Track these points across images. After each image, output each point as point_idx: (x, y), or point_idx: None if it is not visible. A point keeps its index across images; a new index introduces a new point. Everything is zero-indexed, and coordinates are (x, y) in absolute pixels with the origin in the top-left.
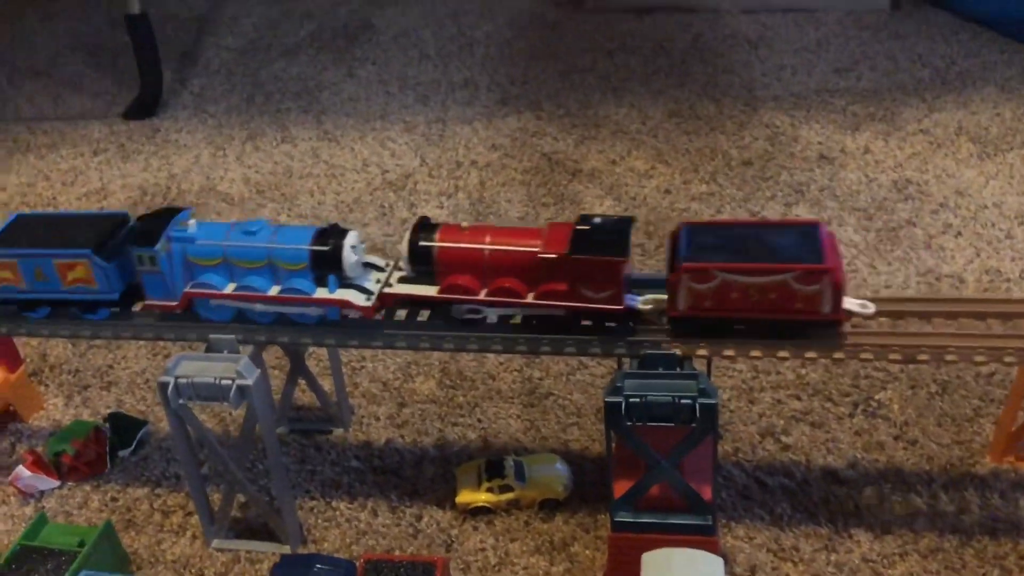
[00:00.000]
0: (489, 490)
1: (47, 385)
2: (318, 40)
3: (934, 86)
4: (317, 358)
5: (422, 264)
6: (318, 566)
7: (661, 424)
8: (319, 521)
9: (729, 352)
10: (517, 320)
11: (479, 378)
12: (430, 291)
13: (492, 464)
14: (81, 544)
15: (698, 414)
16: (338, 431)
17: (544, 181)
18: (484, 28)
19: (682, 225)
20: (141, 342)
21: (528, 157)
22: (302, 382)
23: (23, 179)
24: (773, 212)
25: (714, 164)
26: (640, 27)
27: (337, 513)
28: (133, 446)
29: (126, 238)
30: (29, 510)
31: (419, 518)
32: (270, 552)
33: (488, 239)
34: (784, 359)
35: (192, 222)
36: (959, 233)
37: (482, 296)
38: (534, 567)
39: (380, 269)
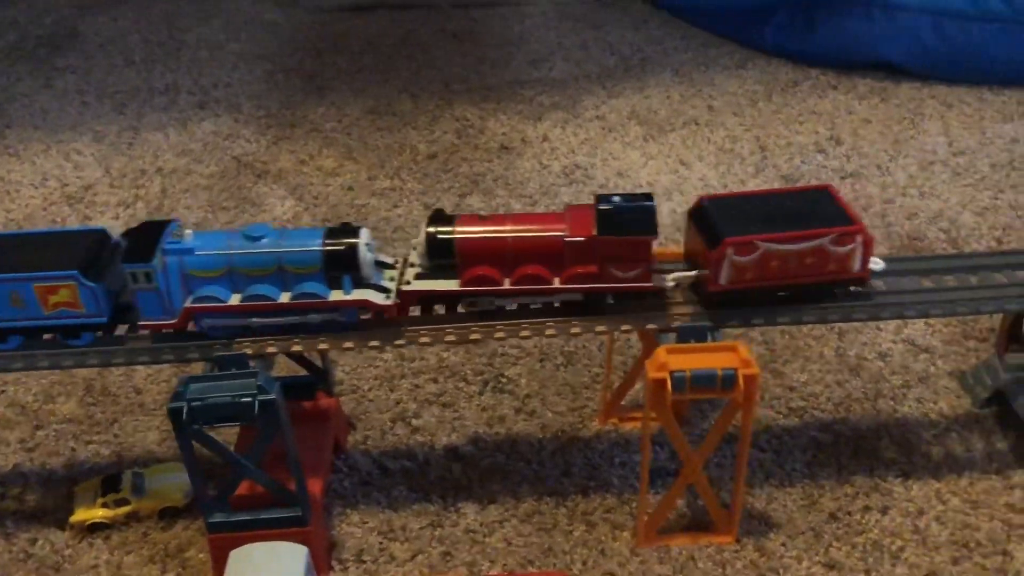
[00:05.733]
0: (104, 505)
1: None
2: (18, 49)
3: (617, 73)
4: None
5: (441, 257)
6: None
7: (228, 424)
8: None
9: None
10: (538, 307)
11: (123, 393)
12: (451, 285)
13: (109, 479)
14: None
15: (257, 410)
16: None
17: (228, 185)
18: (197, 31)
19: (703, 200)
20: None
21: (216, 161)
22: None
23: None
24: (447, 203)
25: (401, 159)
26: (354, 25)
27: None
28: None
29: (112, 256)
30: None
31: (34, 542)
32: None
33: (509, 226)
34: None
35: (188, 232)
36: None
37: (507, 285)
38: None
39: (391, 266)
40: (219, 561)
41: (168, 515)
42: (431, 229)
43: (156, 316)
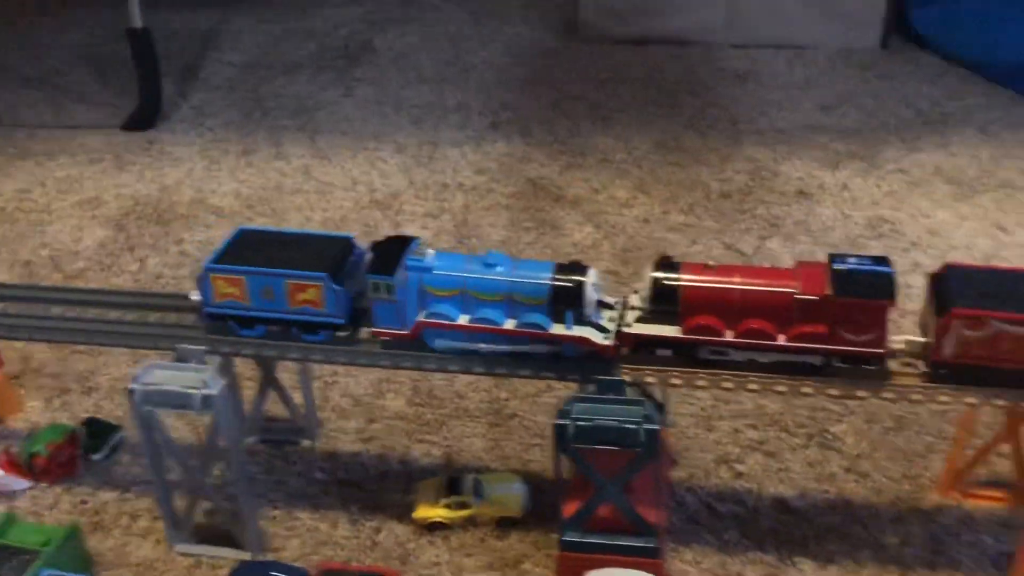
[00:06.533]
0: (447, 506)
1: (27, 388)
2: (318, 59)
3: (916, 126)
4: (292, 371)
5: (665, 303)
6: (272, 573)
7: (607, 447)
8: (281, 530)
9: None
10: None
11: (448, 397)
12: (672, 331)
13: (451, 481)
14: (46, 544)
15: (642, 438)
16: (306, 443)
17: (527, 206)
18: (481, 54)
19: (946, 267)
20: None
21: (514, 182)
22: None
23: (20, 185)
24: (747, 245)
25: (694, 196)
26: (633, 58)
27: (299, 523)
28: (107, 451)
29: (355, 263)
30: (1, 508)
31: (378, 531)
32: (231, 558)
33: (738, 279)
34: None
35: (429, 251)
36: (928, 272)
37: (729, 337)
38: None
39: (609, 307)
40: None
41: (503, 524)
42: (657, 275)
43: (390, 325)
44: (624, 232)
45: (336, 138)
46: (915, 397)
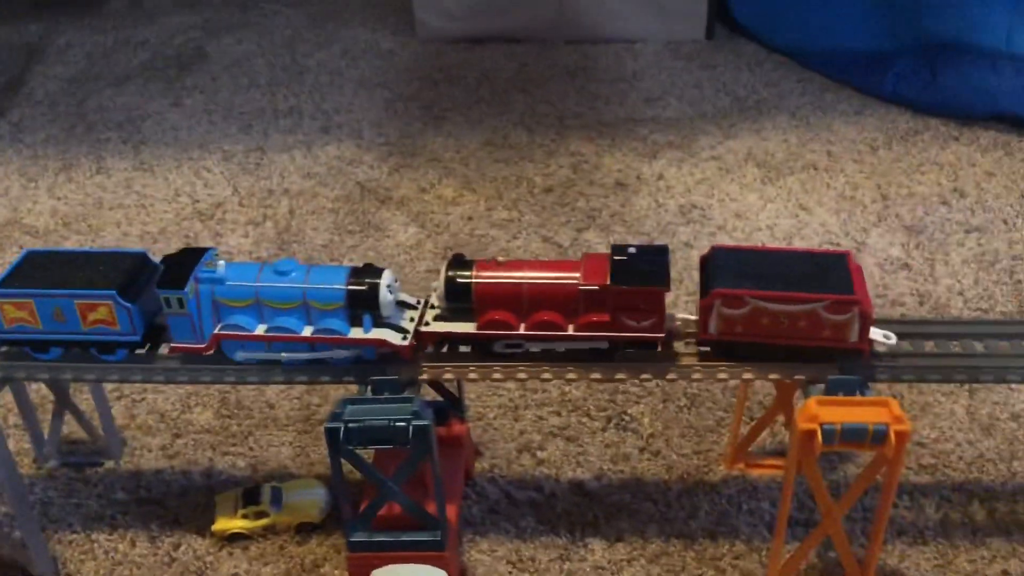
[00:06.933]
0: (244, 516)
1: None
2: (149, 69)
3: (732, 114)
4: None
5: (459, 300)
6: None
7: (380, 447)
8: (76, 554)
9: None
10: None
11: (257, 407)
12: (468, 328)
13: (249, 491)
14: None
15: (411, 436)
16: (109, 463)
17: (353, 209)
18: (318, 56)
19: (713, 249)
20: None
21: (341, 185)
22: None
23: None
24: (565, 237)
25: (518, 191)
26: (469, 57)
27: (96, 545)
28: None
29: (149, 279)
30: None
31: (177, 547)
32: None
33: (526, 272)
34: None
35: (221, 262)
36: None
37: (521, 330)
38: None
39: (412, 307)
40: None
41: (304, 530)
42: (450, 273)
43: (186, 339)
44: (448, 230)
45: (161, 149)
46: (670, 376)
